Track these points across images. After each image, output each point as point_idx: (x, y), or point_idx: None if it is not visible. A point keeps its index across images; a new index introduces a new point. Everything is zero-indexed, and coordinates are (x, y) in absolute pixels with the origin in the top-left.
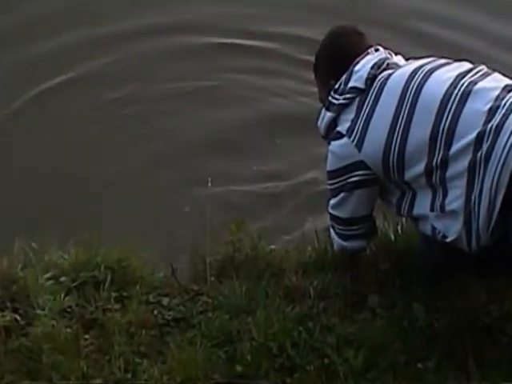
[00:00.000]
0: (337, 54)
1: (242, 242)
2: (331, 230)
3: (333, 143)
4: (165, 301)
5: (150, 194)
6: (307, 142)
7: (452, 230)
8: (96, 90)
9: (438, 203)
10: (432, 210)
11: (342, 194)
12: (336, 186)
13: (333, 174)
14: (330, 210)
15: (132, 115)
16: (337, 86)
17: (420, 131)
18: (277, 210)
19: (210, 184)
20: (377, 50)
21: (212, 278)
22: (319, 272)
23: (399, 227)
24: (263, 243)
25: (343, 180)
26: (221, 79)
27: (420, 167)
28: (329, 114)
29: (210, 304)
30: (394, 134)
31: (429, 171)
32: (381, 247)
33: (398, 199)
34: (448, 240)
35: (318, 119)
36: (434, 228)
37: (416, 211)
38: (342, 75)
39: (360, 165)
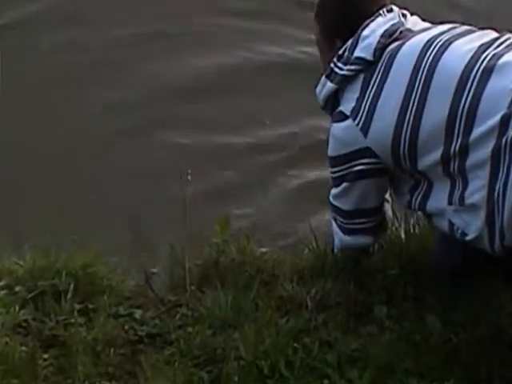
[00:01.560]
0: (347, 6)
1: (228, 243)
2: (333, 223)
3: (335, 125)
4: (137, 314)
5: (118, 181)
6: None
7: (472, 226)
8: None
9: (456, 195)
10: (450, 203)
11: (344, 184)
12: (338, 174)
13: (335, 161)
14: (332, 200)
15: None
16: (341, 52)
17: (435, 113)
18: (266, 192)
19: (189, 177)
20: (390, 11)
21: (192, 287)
22: (318, 279)
23: (411, 225)
24: (252, 245)
25: (346, 168)
26: (206, 23)
27: (436, 155)
28: (330, 85)
29: (191, 317)
30: (405, 116)
31: (446, 159)
32: (390, 249)
33: (410, 189)
34: (468, 238)
35: (316, 85)
36: (451, 224)
37: (431, 204)
38: (349, 35)
39: (366, 152)
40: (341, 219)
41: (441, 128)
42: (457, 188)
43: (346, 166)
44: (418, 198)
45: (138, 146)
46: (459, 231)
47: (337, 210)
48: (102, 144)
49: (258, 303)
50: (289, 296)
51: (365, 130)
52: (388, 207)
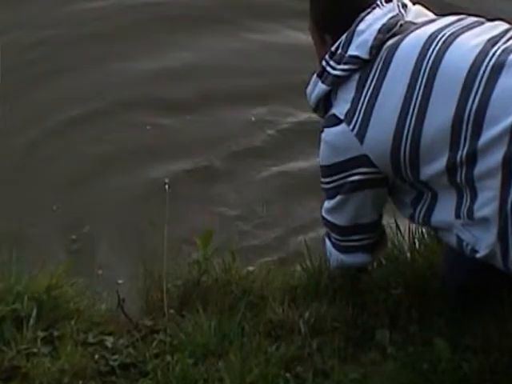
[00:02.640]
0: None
1: (211, 261)
2: (326, 240)
3: (327, 131)
4: (109, 341)
5: (89, 192)
6: None
7: (483, 242)
8: None
9: (464, 208)
10: (458, 216)
11: (339, 197)
12: (332, 185)
13: (327, 171)
14: (325, 215)
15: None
16: (334, 48)
17: (439, 116)
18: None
19: (167, 187)
20: (388, 1)
21: (171, 311)
22: (312, 300)
23: (416, 239)
24: (238, 263)
25: (340, 179)
26: None
27: (440, 163)
28: (321, 86)
29: (169, 344)
30: (405, 119)
31: (452, 168)
32: (393, 266)
33: (412, 201)
34: (478, 256)
35: (307, 84)
36: (460, 240)
37: (437, 218)
38: (343, 30)
39: (362, 160)
40: (336, 236)
41: (445, 133)
42: (465, 200)
43: (341, 176)
44: (422, 211)
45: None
46: (469, 247)
47: (331, 225)
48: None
49: (245, 328)
50: (279, 320)
51: (361, 135)
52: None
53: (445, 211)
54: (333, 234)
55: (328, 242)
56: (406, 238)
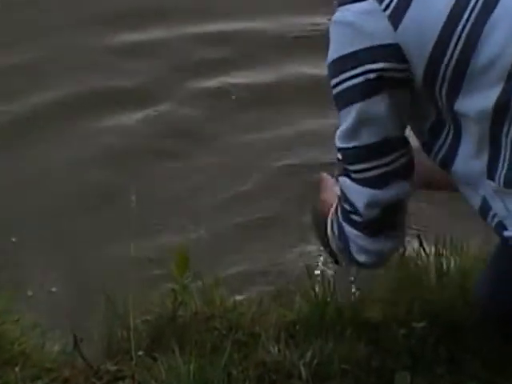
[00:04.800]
0: None
1: (189, 290)
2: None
3: (346, 9)
4: None
5: (41, 206)
6: None
7: None
8: None
9: (502, 172)
10: (491, 178)
11: (355, 106)
12: (344, 87)
13: (340, 65)
14: (341, 142)
15: None
16: None
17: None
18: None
19: (133, 198)
20: None
21: (140, 352)
22: (315, 337)
23: (444, 258)
24: (223, 291)
25: (357, 76)
26: None
27: (488, 98)
28: None
29: None
30: (462, 12)
31: (501, 110)
32: (415, 293)
33: (430, 130)
34: (506, 234)
35: None
36: (486, 206)
37: (459, 167)
38: None
39: (390, 51)
40: (360, 166)
41: (509, 52)
42: (502, 161)
43: (358, 71)
44: (442, 151)
45: None
46: (495, 220)
47: (352, 153)
48: None
49: (232, 373)
50: (274, 362)
51: (396, 18)
52: None
53: (471, 163)
54: (355, 167)
55: (345, 179)
56: (432, 257)
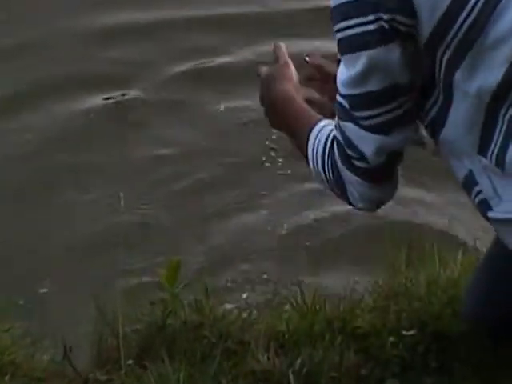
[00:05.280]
0: None
1: (178, 299)
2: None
3: None
4: None
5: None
6: None
7: (506, 204)
8: None
9: (494, 149)
10: (482, 154)
11: (365, 53)
12: (354, 32)
13: (351, 9)
14: (344, 88)
15: None
16: None
17: None
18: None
19: (122, 203)
20: None
21: (129, 361)
22: (304, 345)
23: (436, 268)
24: (212, 300)
25: (370, 22)
26: None
27: (493, 76)
28: None
29: None
30: None
31: (504, 88)
32: (404, 302)
33: (423, 85)
34: (490, 215)
35: None
36: (471, 180)
37: (448, 134)
38: None
39: (403, 4)
40: (366, 112)
41: None
42: (496, 138)
43: (371, 18)
44: (433, 111)
45: None
46: (480, 197)
47: (358, 98)
48: None
49: (221, 381)
50: (264, 370)
51: None
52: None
53: (461, 133)
54: (362, 113)
55: (345, 124)
56: (420, 266)
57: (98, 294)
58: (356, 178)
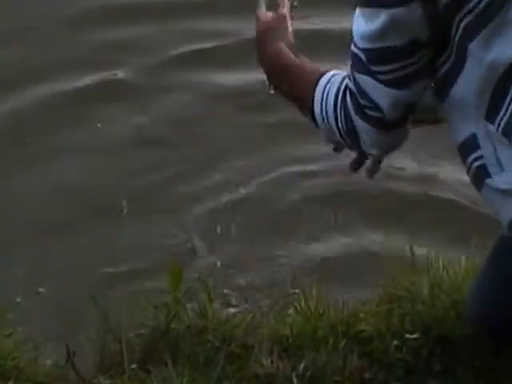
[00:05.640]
0: None
1: (181, 303)
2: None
3: None
4: None
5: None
6: None
7: (507, 175)
8: None
9: (503, 118)
10: (490, 120)
11: (387, 10)
12: None
13: None
14: (362, 42)
15: None
16: None
17: None
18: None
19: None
20: None
21: (133, 366)
22: (308, 349)
23: (437, 270)
24: (216, 305)
25: None
26: None
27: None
28: None
29: None
30: None
31: None
32: (407, 305)
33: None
34: (488, 182)
35: None
36: (474, 144)
37: (458, 92)
38: None
39: None
40: (386, 67)
41: None
42: (506, 108)
43: None
44: (445, 66)
45: None
46: (478, 162)
47: (374, 54)
48: None
49: None
50: (267, 374)
51: None
52: None
53: (470, 95)
54: (379, 68)
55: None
56: (424, 269)
57: (100, 298)
58: (369, 126)
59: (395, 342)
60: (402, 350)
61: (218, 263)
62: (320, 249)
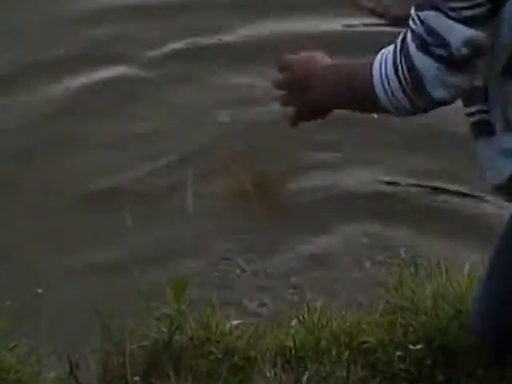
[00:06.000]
0: None
1: (185, 315)
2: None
3: None
4: None
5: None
6: None
7: None
8: None
9: None
10: (509, 75)
11: None
12: None
13: None
14: None
15: None
16: None
17: None
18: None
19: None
20: None
21: (136, 378)
22: (311, 361)
23: (440, 281)
24: (219, 316)
25: None
26: None
27: None
28: None
29: None
30: None
31: None
32: (410, 315)
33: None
34: (498, 144)
35: None
36: (482, 97)
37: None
38: None
39: None
40: (453, 4)
41: None
42: None
43: None
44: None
45: None
46: (482, 116)
47: None
48: None
49: None
50: None
51: None
52: None
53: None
54: (453, 4)
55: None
56: (427, 280)
57: (103, 311)
58: (434, 63)
59: (398, 353)
60: (405, 361)
61: (220, 274)
62: (320, 248)
